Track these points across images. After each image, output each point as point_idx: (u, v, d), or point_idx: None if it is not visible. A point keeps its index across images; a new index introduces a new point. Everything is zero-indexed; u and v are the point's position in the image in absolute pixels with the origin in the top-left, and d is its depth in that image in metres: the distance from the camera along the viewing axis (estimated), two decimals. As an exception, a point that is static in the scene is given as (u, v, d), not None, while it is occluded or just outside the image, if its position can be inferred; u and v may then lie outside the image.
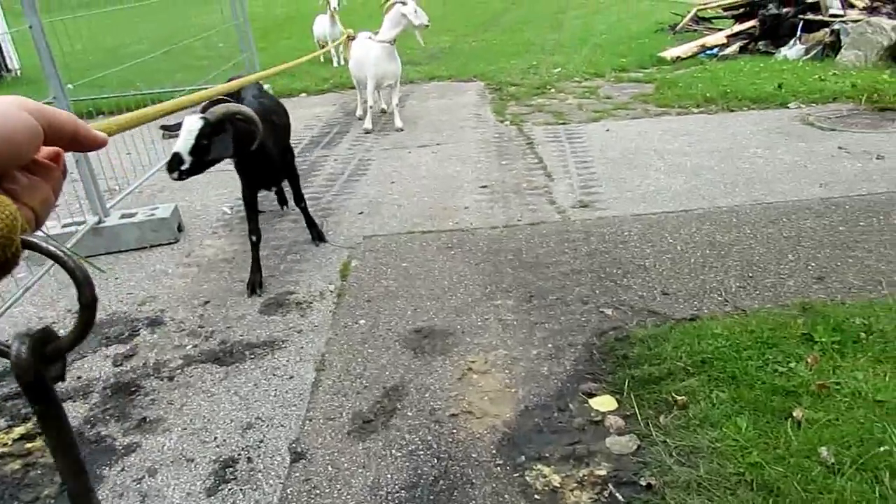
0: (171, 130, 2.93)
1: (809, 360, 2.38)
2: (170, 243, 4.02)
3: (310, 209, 3.86)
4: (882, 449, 1.91)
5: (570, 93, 7.32)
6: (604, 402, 2.36)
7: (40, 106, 0.43)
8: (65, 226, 3.92)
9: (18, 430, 2.46)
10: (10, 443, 2.40)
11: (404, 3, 5.64)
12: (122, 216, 4.02)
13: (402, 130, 6.12)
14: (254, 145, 2.93)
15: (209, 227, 4.26)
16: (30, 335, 0.44)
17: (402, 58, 6.22)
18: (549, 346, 2.73)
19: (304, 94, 8.01)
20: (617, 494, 1.96)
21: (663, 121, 5.97)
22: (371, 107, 6.24)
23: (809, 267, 3.18)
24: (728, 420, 2.13)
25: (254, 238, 3.37)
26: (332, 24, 9.04)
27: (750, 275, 3.14)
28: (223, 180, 4.79)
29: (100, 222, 3.94)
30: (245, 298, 3.29)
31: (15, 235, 0.40)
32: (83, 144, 0.48)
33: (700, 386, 2.32)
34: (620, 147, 5.24)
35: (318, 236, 3.87)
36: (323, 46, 8.83)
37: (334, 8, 9.02)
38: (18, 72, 11.41)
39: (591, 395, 2.40)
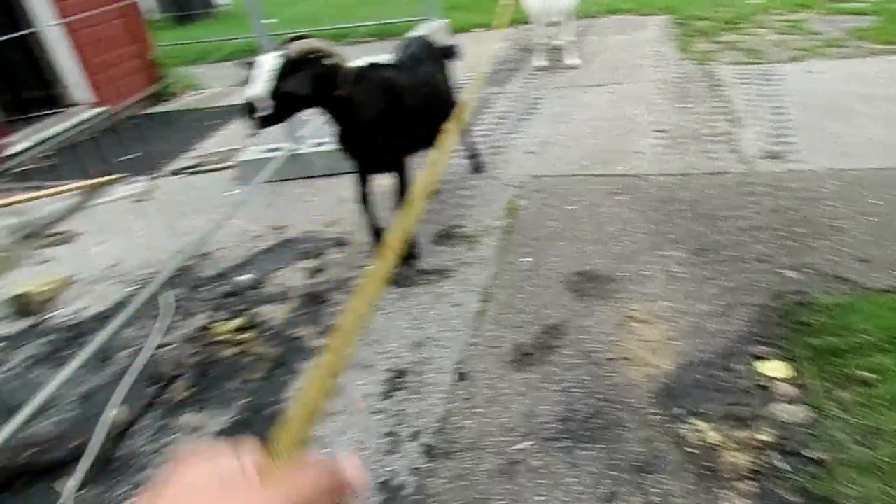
0: (250, 68, 2.57)
1: None
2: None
3: (478, 145, 3.98)
4: None
5: (769, 27, 6.58)
6: (775, 368, 2.26)
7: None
8: (267, 150, 4.40)
9: (235, 323, 2.92)
10: (228, 333, 2.86)
11: None
12: (315, 144, 4.41)
13: (575, 68, 5.95)
14: (343, 90, 2.65)
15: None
16: None
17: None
18: (719, 303, 2.63)
19: (480, 29, 8.01)
20: (779, 463, 1.91)
21: (882, 61, 5.20)
22: (542, 43, 6.11)
23: None
24: (920, 403, 1.96)
25: (360, 205, 3.15)
26: None
27: (972, 247, 2.75)
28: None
29: (296, 150, 4.36)
30: (419, 227, 3.51)
31: None
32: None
33: (892, 364, 2.13)
34: (824, 91, 4.68)
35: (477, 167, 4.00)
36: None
37: None
38: (228, 6, 12.54)
39: (761, 359, 2.31)
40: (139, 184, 4.74)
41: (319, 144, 4.41)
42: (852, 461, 1.84)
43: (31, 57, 5.99)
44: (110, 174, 4.77)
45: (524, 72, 6.17)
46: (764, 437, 1.99)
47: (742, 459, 1.93)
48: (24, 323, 3.27)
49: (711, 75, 5.34)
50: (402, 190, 3.10)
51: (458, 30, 7.78)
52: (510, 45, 7.13)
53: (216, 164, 4.84)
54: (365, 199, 3.15)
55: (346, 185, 4.18)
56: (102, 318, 3.11)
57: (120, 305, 3.21)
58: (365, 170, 3.08)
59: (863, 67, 5.11)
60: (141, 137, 5.67)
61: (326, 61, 2.61)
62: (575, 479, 1.97)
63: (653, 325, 2.56)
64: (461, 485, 2.01)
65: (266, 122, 2.53)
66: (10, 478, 2.27)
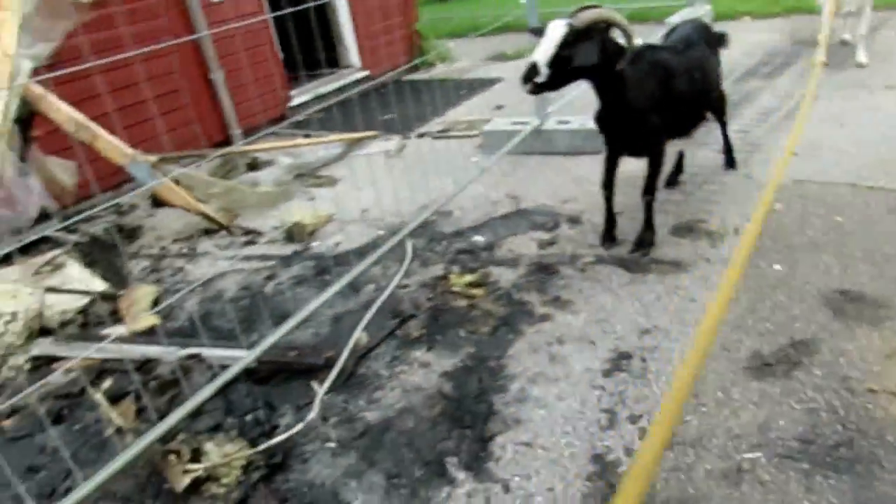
0: (538, 35, 2.65)
1: None
2: (595, 153, 4.34)
3: (734, 141, 3.71)
4: None
5: None
6: None
7: None
8: (513, 123, 4.56)
9: (468, 278, 3.12)
10: (461, 285, 3.07)
11: None
12: (559, 122, 4.47)
13: (864, 66, 5.22)
14: (620, 65, 2.63)
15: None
16: None
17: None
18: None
19: (747, 18, 7.39)
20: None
21: None
22: (826, 35, 5.44)
23: None
24: None
25: (605, 192, 3.16)
26: None
27: None
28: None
29: (540, 125, 4.46)
30: (659, 217, 3.39)
31: None
32: None
33: None
34: None
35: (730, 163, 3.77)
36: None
37: None
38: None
39: None
40: (392, 142, 5.23)
41: (563, 123, 4.46)
42: None
43: (324, 21, 6.85)
44: (370, 131, 5.32)
45: (797, 66, 5.57)
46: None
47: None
48: (292, 248, 3.83)
49: None
50: (653, 175, 3.03)
51: (722, 17, 7.25)
52: (782, 37, 6.48)
53: (463, 131, 5.14)
54: (610, 183, 3.14)
55: (584, 166, 4.20)
56: (355, 254, 3.51)
57: (370, 245, 3.60)
58: (620, 151, 3.07)
59: None
60: (399, 101, 6.22)
61: (613, 34, 2.63)
62: (811, 504, 1.81)
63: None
64: (678, 477, 1.95)
65: (541, 88, 2.60)
66: (275, 371, 2.70)
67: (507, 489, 2.01)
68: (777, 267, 2.87)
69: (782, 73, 5.46)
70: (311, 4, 3.11)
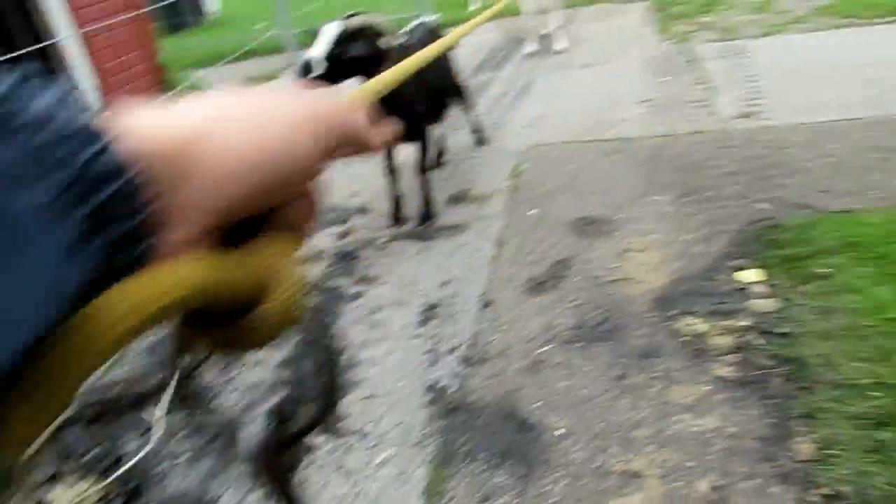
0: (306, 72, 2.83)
1: (965, 245, 2.51)
2: (366, 152, 4.76)
3: (480, 122, 4.42)
4: None
5: (742, 8, 7.06)
6: (750, 275, 2.68)
7: (332, 115, 0.34)
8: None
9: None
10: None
11: None
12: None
13: (563, 52, 6.38)
14: (387, 63, 2.78)
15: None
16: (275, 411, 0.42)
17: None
18: (702, 231, 3.05)
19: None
20: (756, 339, 2.33)
21: (844, 33, 5.67)
22: (532, 30, 6.54)
23: None
24: (869, 288, 2.38)
25: (389, 177, 3.54)
26: None
27: (918, 175, 3.19)
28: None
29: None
30: (435, 192, 3.89)
31: (299, 307, 0.35)
32: (361, 154, 0.39)
33: (845, 262, 2.56)
34: (793, 61, 5.14)
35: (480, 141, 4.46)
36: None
37: None
38: (217, 14, 12.92)
39: (739, 269, 2.73)
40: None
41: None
42: (814, 332, 2.25)
43: (49, 63, 6.35)
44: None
45: (516, 58, 6.60)
46: (743, 323, 2.40)
47: (726, 340, 2.35)
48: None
49: (690, 52, 5.79)
50: (423, 157, 3.51)
51: (448, 23, 8.19)
52: (498, 36, 7.57)
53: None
54: (393, 170, 3.56)
55: (357, 164, 4.59)
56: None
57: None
58: (405, 137, 3.43)
59: (828, 39, 5.58)
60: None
61: (377, 38, 2.98)
62: (591, 368, 2.37)
63: (647, 253, 2.98)
64: (496, 380, 2.41)
65: (318, 81, 2.78)
66: (103, 410, 2.64)
67: (363, 436, 2.29)
68: (533, 211, 3.53)
69: (505, 65, 6.43)
70: (29, 49, 3.01)
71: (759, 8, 6.94)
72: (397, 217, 3.64)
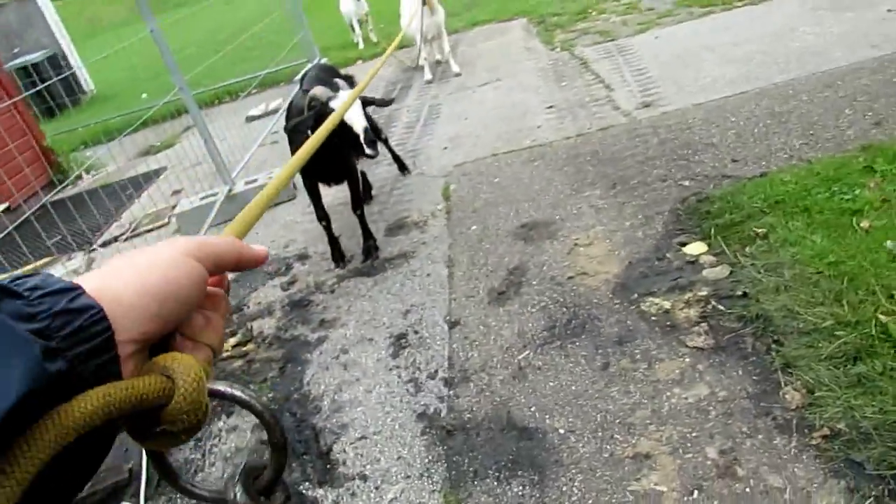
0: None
1: (871, 185, 2.76)
2: (290, 200, 4.66)
3: (398, 151, 4.46)
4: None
5: (612, 12, 7.53)
6: (696, 248, 2.82)
7: (201, 243, 0.44)
8: (203, 198, 4.62)
9: (233, 340, 3.15)
10: (229, 349, 3.09)
11: None
12: (247, 183, 4.68)
13: (460, 75, 6.55)
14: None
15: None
16: (240, 474, 0.47)
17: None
18: (640, 216, 3.20)
19: (359, 61, 8.52)
20: (718, 305, 2.45)
21: (709, 20, 6.18)
22: (426, 58, 6.68)
23: (866, 117, 3.50)
24: (805, 238, 2.57)
25: (323, 223, 3.53)
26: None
27: (811, 133, 3.50)
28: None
29: (231, 190, 4.61)
30: (372, 226, 3.86)
31: (204, 398, 0.40)
32: (247, 266, 0.50)
33: (776, 220, 2.75)
34: (671, 50, 5.53)
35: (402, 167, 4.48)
36: (353, 27, 9.06)
37: None
38: (93, 92, 12.35)
39: (684, 244, 2.87)
40: (76, 260, 4.78)
41: (252, 182, 4.68)
42: (768, 288, 2.40)
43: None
44: (44, 258, 4.78)
45: (416, 87, 6.70)
46: (702, 293, 2.52)
47: (692, 312, 2.45)
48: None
49: (578, 57, 6.10)
50: (356, 192, 3.50)
51: (339, 65, 8.23)
52: (394, 69, 7.67)
53: (151, 224, 4.96)
54: (325, 213, 3.51)
55: (285, 213, 4.49)
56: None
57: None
58: (324, 181, 3.43)
59: (696, 26, 6.05)
60: (63, 220, 5.64)
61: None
62: (573, 364, 2.41)
63: (595, 245, 3.08)
64: (484, 395, 2.39)
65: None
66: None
67: (364, 479, 2.20)
68: (474, 227, 3.57)
69: (407, 94, 6.51)
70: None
71: (625, 11, 7.43)
72: (340, 257, 3.58)
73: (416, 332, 2.86)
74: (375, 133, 3.02)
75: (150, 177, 6.30)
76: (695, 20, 6.29)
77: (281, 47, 7.74)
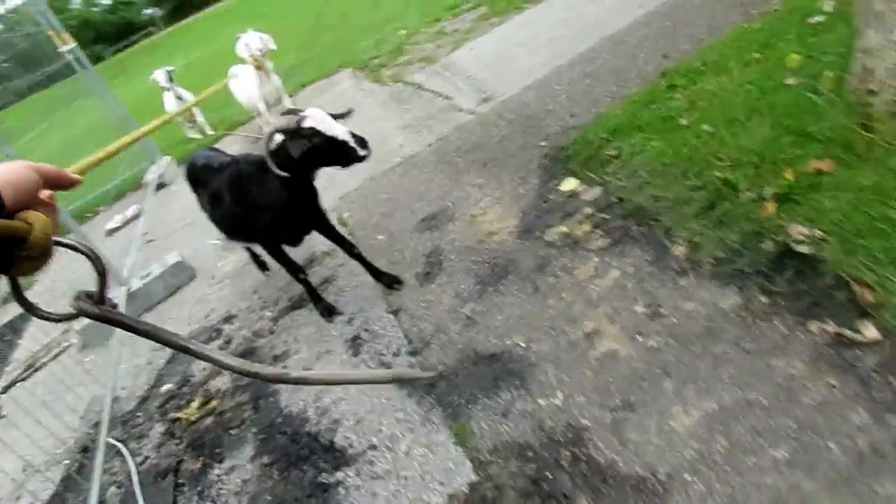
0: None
1: (678, 96, 3.48)
2: (190, 280, 4.72)
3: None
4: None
5: (425, 42, 8.30)
6: (569, 184, 3.37)
7: (35, 164, 0.78)
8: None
9: (195, 404, 3.21)
10: (196, 412, 3.15)
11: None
12: (143, 277, 4.68)
13: (310, 129, 6.90)
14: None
15: (213, 258, 4.95)
16: (80, 294, 0.84)
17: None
18: (516, 179, 3.71)
19: (228, 135, 8.61)
20: (603, 215, 2.98)
21: (508, 24, 7.07)
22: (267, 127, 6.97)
23: (656, 54, 4.32)
24: (646, 146, 3.19)
25: (301, 276, 3.33)
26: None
27: (621, 77, 4.25)
28: (190, 232, 5.47)
29: (129, 290, 4.58)
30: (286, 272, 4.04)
31: (50, 235, 0.74)
32: (66, 183, 0.82)
33: (621, 142, 3.38)
34: (488, 55, 6.28)
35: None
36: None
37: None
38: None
39: (559, 185, 3.41)
40: (-20, 415, 4.48)
41: (146, 276, 4.69)
42: (633, 188, 2.97)
43: None
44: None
45: (271, 151, 6.94)
46: (588, 211, 3.05)
47: (585, 227, 2.96)
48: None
49: (411, 83, 6.70)
50: (345, 240, 3.32)
51: (187, 155, 8.27)
52: (244, 145, 7.87)
53: (53, 351, 4.77)
54: (301, 266, 3.38)
55: (193, 291, 4.55)
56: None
57: (68, 479, 3.24)
58: (298, 240, 3.24)
59: (501, 32, 6.90)
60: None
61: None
62: (510, 297, 2.81)
63: (489, 212, 3.54)
64: (449, 347, 2.72)
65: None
66: None
67: (374, 448, 2.43)
68: (380, 237, 3.91)
69: (266, 160, 6.75)
70: None
71: (435, 38, 8.23)
72: (332, 310, 3.49)
73: (366, 330, 3.12)
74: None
75: (25, 317, 5.97)
76: (498, 28, 7.16)
77: (117, 159, 7.67)
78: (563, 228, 3.05)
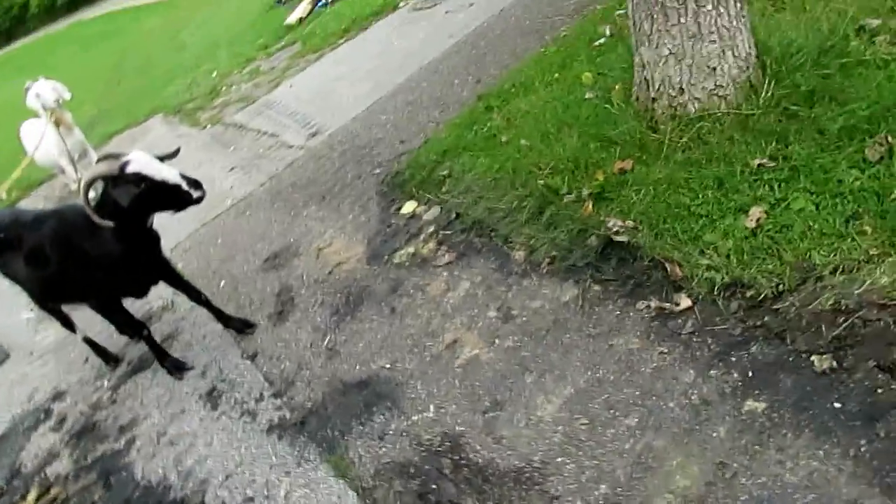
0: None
1: (496, 116, 3.77)
2: (3, 361, 4.14)
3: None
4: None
5: (240, 82, 8.09)
6: (408, 206, 3.49)
7: None
8: None
9: (31, 497, 2.82)
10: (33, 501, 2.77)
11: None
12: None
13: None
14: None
15: (27, 332, 4.38)
16: None
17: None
18: (356, 208, 3.77)
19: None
20: (445, 232, 3.13)
21: (325, 60, 7.14)
22: (80, 177, 6.38)
23: (469, 80, 4.64)
24: (474, 163, 3.41)
25: (145, 332, 3.14)
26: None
27: (441, 103, 4.51)
28: None
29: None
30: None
31: None
32: None
33: (450, 163, 3.58)
34: (309, 90, 6.30)
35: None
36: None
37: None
38: None
39: (400, 209, 3.52)
40: None
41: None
42: (470, 203, 3.17)
43: None
44: None
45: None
46: (430, 230, 3.20)
47: (431, 245, 3.10)
48: None
49: (231, 124, 6.50)
50: (190, 287, 3.21)
51: None
52: (49, 199, 7.08)
53: None
54: (141, 321, 3.19)
55: (8, 372, 4.01)
56: None
57: None
58: (146, 289, 3.09)
59: (319, 68, 6.96)
60: None
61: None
62: (368, 322, 2.85)
63: (335, 243, 3.55)
64: (314, 383, 2.68)
65: None
66: None
67: (251, 500, 2.32)
68: (222, 283, 3.74)
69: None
70: None
71: (251, 77, 8.07)
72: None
73: (222, 381, 2.97)
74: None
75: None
76: (315, 64, 7.20)
77: None
78: (410, 249, 3.16)
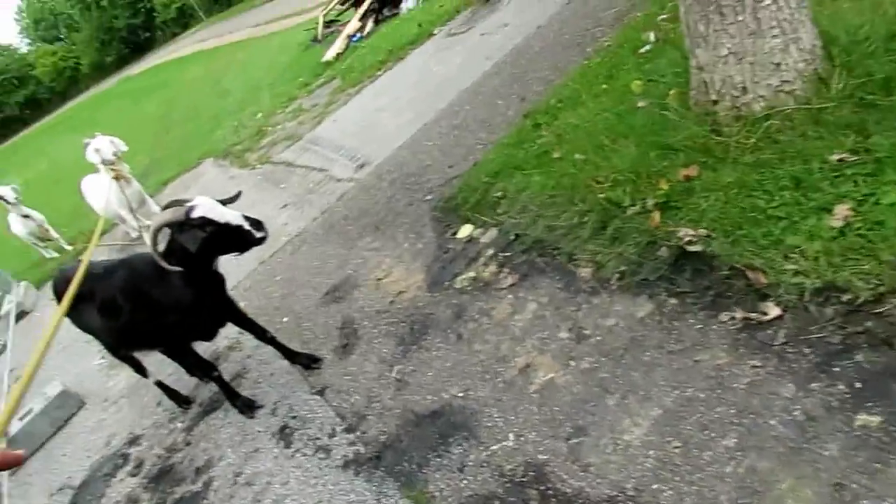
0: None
1: (545, 133, 3.71)
2: (79, 409, 4.25)
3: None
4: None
5: (284, 121, 8.29)
6: (465, 230, 3.45)
7: None
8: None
9: None
10: None
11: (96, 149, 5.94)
12: (21, 417, 4.15)
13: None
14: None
15: (100, 377, 4.50)
16: None
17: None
18: (411, 236, 3.75)
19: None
20: (505, 253, 3.07)
21: (365, 92, 7.26)
22: (141, 227, 6.59)
23: (513, 98, 4.61)
24: (528, 182, 3.36)
25: (215, 373, 3.16)
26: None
27: (487, 124, 4.48)
28: (67, 357, 4.97)
29: (7, 436, 4.04)
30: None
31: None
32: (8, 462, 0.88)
33: (504, 183, 3.53)
34: (353, 123, 6.39)
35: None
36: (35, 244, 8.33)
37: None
38: None
39: (456, 234, 3.48)
40: None
41: (27, 414, 4.17)
42: (528, 223, 3.11)
43: None
44: None
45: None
46: (490, 253, 3.14)
47: (491, 268, 3.04)
48: None
49: (280, 162, 6.63)
50: (256, 325, 3.23)
51: (45, 279, 7.58)
52: (111, 254, 7.33)
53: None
54: (211, 362, 3.23)
55: (84, 420, 4.11)
56: None
57: None
58: (213, 332, 3.11)
59: (359, 101, 7.07)
60: None
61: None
62: (436, 351, 2.80)
63: (393, 272, 3.53)
64: (386, 415, 2.64)
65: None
66: None
67: (330, 544, 2.27)
68: (285, 319, 3.76)
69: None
70: None
71: (294, 116, 8.26)
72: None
73: (293, 418, 2.96)
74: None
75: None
76: (356, 98, 7.32)
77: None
78: (471, 273, 3.11)
